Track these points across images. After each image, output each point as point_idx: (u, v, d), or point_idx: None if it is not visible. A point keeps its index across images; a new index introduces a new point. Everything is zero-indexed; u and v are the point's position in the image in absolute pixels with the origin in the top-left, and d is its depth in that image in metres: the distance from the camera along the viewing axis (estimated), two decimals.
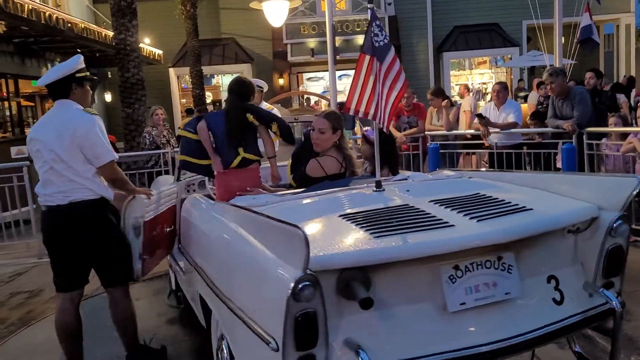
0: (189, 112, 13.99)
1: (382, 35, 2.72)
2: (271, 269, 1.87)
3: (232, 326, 2.29)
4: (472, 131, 6.57)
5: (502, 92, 6.42)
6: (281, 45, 17.55)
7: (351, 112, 2.89)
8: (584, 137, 5.62)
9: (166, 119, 7.50)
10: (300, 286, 1.70)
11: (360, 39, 17.29)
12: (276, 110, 6.61)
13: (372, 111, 2.71)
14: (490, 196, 2.44)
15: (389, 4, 17.64)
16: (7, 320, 4.46)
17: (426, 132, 6.98)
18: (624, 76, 15.54)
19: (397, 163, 3.57)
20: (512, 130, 6.20)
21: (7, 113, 13.46)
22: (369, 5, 2.82)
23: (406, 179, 3.03)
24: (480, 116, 6.22)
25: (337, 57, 6.57)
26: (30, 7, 10.03)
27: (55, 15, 11.17)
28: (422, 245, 1.95)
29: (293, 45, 17.55)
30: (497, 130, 6.23)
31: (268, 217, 2.04)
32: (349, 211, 2.32)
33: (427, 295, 2.00)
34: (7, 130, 13.00)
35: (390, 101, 2.68)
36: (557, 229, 2.22)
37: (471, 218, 2.13)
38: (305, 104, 17.11)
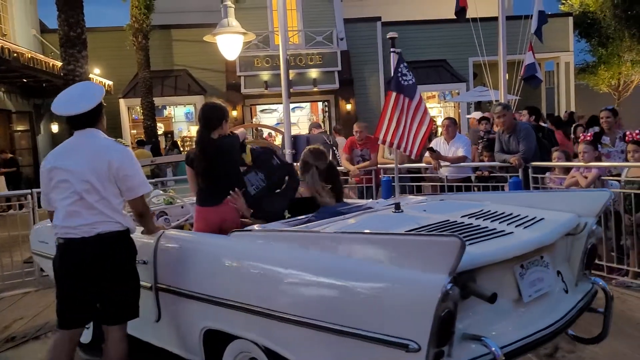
0: (140, 143, 13.73)
1: (409, 75, 3.10)
2: (412, 279, 2.05)
3: (325, 349, 2.33)
4: (423, 164, 6.71)
5: (451, 127, 6.62)
6: (234, 77, 17.59)
7: (380, 142, 3.37)
8: (530, 170, 5.84)
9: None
10: (449, 287, 1.94)
11: (313, 73, 17.59)
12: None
13: (396, 141, 3.14)
14: (497, 211, 2.89)
15: (341, 39, 18.06)
16: None
17: (379, 165, 7.08)
18: (565, 111, 16.35)
19: (342, 191, 3.71)
20: (462, 163, 6.38)
21: None
22: (397, 50, 3.17)
23: (398, 203, 3.25)
24: (431, 150, 6.37)
25: (291, 90, 6.62)
26: None
27: (1, 45, 10.84)
28: (508, 249, 2.38)
29: (246, 78, 17.63)
30: (447, 163, 6.39)
31: (405, 234, 2.36)
32: (410, 227, 2.61)
33: (508, 290, 2.42)
34: None
35: (420, 133, 3.16)
36: (567, 232, 2.79)
37: (517, 226, 2.61)
38: (259, 136, 17.09)
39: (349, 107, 18.15)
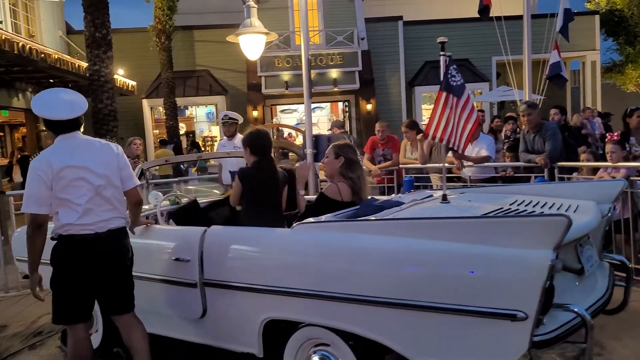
0: (162, 143, 13.89)
1: (458, 76, 3.45)
2: (520, 256, 2.28)
3: (426, 328, 2.50)
4: (446, 165, 6.64)
5: (476, 127, 6.54)
6: (255, 77, 17.68)
7: (429, 138, 3.63)
8: (555, 171, 5.74)
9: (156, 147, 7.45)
10: (554, 261, 2.19)
11: (333, 73, 17.58)
12: None
13: (446, 137, 3.42)
14: (531, 200, 3.17)
15: (362, 39, 18.01)
16: None
17: (400, 165, 7.04)
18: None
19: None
20: (485, 164, 6.30)
21: None
22: (447, 54, 3.54)
23: (430, 196, 3.57)
24: (453, 150, 6.29)
25: (312, 90, 6.62)
26: (3, 37, 9.92)
27: (28, 46, 11.07)
28: (582, 227, 2.70)
29: (267, 78, 17.70)
30: (470, 163, 6.32)
31: (509, 216, 2.73)
32: (471, 214, 2.93)
33: (575, 263, 2.69)
34: None
35: (466, 130, 3.44)
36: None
37: (566, 211, 2.89)
38: (279, 136, 17.14)
39: (369, 107, 18.10)
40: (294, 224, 3.07)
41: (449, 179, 6.79)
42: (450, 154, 6.43)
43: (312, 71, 7.30)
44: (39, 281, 3.06)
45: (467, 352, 2.43)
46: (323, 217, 3.07)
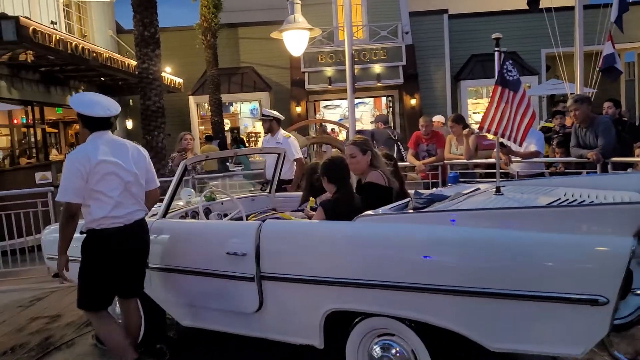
0: (208, 139, 14.14)
1: (514, 71, 3.52)
2: (602, 243, 2.36)
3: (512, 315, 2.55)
4: (492, 160, 6.51)
5: None
6: (299, 73, 17.76)
7: (484, 131, 3.68)
8: (609, 167, 5.53)
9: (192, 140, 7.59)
10: (634, 247, 2.27)
11: (377, 68, 17.47)
12: (293, 138, 6.65)
13: (501, 130, 3.51)
14: (580, 193, 3.18)
15: (406, 33, 17.81)
16: (27, 345, 4.44)
17: (445, 161, 6.93)
18: None
19: (403, 182, 4.02)
20: (535, 159, 6.13)
21: (32, 139, 13.73)
22: (502, 49, 3.66)
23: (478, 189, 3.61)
24: (501, 145, 6.16)
25: (355, 86, 6.59)
26: (57, 38, 10.33)
27: (81, 45, 11.48)
28: None
29: (310, 74, 17.76)
30: (519, 159, 6.17)
31: (585, 205, 2.71)
32: (538, 203, 2.99)
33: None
34: (32, 156, 13.24)
35: (523, 124, 3.49)
36: None
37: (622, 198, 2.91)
38: (322, 131, 17.16)
39: (413, 102, 17.90)
40: (356, 217, 3.09)
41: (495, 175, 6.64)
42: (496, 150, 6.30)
43: (355, 66, 7.31)
44: (65, 262, 3.35)
45: (544, 337, 2.48)
46: (381, 210, 3.17)
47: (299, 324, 3.20)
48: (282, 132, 6.63)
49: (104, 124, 3.37)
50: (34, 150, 13.54)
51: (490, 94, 3.66)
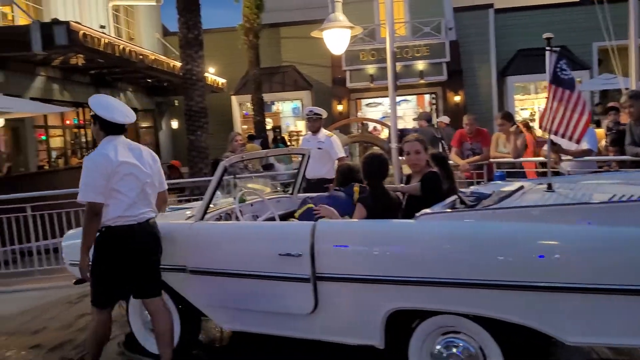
0: (250, 138, 14.28)
1: (568, 70, 3.58)
2: None
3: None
4: (541, 159, 6.28)
5: None
6: (340, 72, 17.70)
7: (542, 130, 3.77)
8: None
9: (244, 143, 7.69)
10: None
11: (419, 65, 17.22)
12: (335, 137, 6.60)
13: (561, 130, 3.57)
14: (627, 188, 3.24)
15: (450, 29, 17.48)
16: (74, 342, 4.57)
17: (491, 160, 6.73)
18: None
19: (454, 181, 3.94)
20: (586, 157, 5.88)
21: (83, 140, 14.20)
22: (554, 49, 3.62)
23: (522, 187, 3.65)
24: (551, 143, 5.93)
25: (397, 83, 6.48)
26: (106, 41, 10.64)
27: (128, 48, 11.78)
28: None
29: (352, 72, 17.67)
30: (570, 157, 5.92)
31: None
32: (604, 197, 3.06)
33: None
34: (83, 156, 13.69)
35: (581, 122, 3.51)
36: None
37: None
38: (364, 130, 17.07)
39: (457, 99, 17.55)
40: (418, 215, 3.09)
41: (545, 175, 6.41)
42: (545, 147, 6.08)
43: (397, 64, 7.19)
44: (88, 263, 3.43)
45: (627, 330, 2.53)
46: (428, 210, 3.17)
47: (358, 324, 3.17)
48: (324, 131, 6.59)
49: (120, 129, 3.48)
50: (85, 151, 14.01)
51: (538, 90, 3.68)
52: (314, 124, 6.53)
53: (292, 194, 5.14)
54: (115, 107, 3.50)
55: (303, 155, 5.16)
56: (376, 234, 3.17)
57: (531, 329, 2.70)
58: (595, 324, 2.56)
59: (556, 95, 3.55)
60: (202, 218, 3.84)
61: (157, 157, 3.69)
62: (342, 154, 6.41)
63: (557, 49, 3.65)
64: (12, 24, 11.42)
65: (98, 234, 3.40)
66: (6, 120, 9.77)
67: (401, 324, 3.05)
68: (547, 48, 3.66)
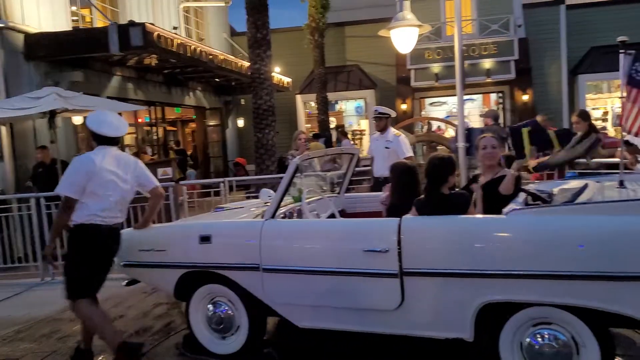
0: (315, 136, 14.46)
1: None
2: None
3: None
4: (617, 160, 6.04)
5: None
6: (405, 70, 17.58)
7: (624, 131, 3.85)
8: None
9: (308, 140, 7.90)
10: None
11: (486, 63, 16.85)
12: (404, 137, 6.62)
13: (635, 129, 3.64)
14: None
15: (519, 26, 16.97)
16: (151, 329, 4.84)
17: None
18: None
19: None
20: None
21: (155, 137, 14.84)
22: (630, 52, 3.70)
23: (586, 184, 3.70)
24: (627, 143, 5.71)
25: (464, 82, 6.42)
26: (178, 42, 11.10)
27: (199, 49, 12.23)
28: None
29: (417, 71, 17.50)
30: None
31: None
32: None
33: None
34: (154, 152, 14.32)
35: None
36: None
37: None
38: (429, 129, 16.87)
39: (525, 97, 17.03)
40: (506, 211, 3.20)
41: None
42: (621, 148, 5.85)
43: (464, 62, 7.09)
44: (54, 249, 3.97)
45: None
46: (515, 206, 3.30)
47: (447, 318, 3.24)
48: (392, 130, 6.62)
49: (110, 141, 3.93)
50: (156, 147, 14.65)
51: (612, 88, 3.70)
52: (379, 123, 6.58)
53: (339, 193, 5.16)
54: (107, 122, 3.94)
55: (352, 155, 5.14)
56: (468, 230, 3.23)
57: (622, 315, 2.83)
58: None
59: (631, 96, 3.60)
60: (273, 216, 3.84)
61: (140, 163, 4.14)
62: (409, 153, 6.43)
63: (632, 51, 3.67)
64: (91, 26, 12.10)
65: (72, 229, 3.85)
66: (84, 118, 10.42)
67: (491, 317, 3.13)
68: (621, 51, 3.67)
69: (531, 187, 4.02)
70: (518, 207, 3.22)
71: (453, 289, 3.17)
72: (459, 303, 3.15)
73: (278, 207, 3.89)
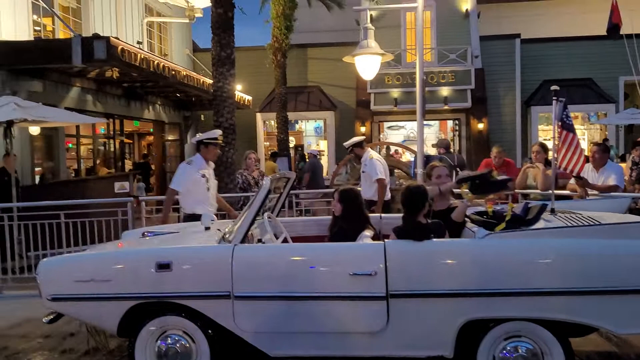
0: (273, 155, 14.46)
1: (570, 116, 4.51)
2: None
3: None
4: (567, 192, 6.31)
5: (601, 154, 6.14)
6: (365, 94, 17.89)
7: (557, 168, 4.51)
8: None
9: (258, 160, 7.91)
10: None
11: (444, 90, 17.38)
12: (376, 159, 6.84)
13: (570, 167, 4.48)
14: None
15: (476, 57, 17.60)
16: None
17: (517, 191, 6.78)
18: None
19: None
20: (613, 194, 5.89)
21: (111, 149, 14.50)
22: (561, 99, 4.37)
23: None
24: (578, 177, 5.96)
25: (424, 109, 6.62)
26: (142, 56, 10.95)
27: (162, 64, 12.10)
28: None
29: (377, 95, 17.85)
30: (596, 192, 5.94)
31: None
32: None
33: None
34: (111, 166, 13.97)
35: (581, 159, 4.47)
36: None
37: None
38: (387, 154, 17.16)
39: (481, 126, 17.60)
40: (485, 235, 3.44)
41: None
42: (572, 181, 6.11)
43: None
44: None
45: None
46: (499, 229, 3.49)
47: (430, 337, 3.39)
48: (369, 154, 6.82)
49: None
50: (112, 161, 14.31)
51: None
52: (352, 154, 7.02)
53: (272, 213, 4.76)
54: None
55: (288, 179, 4.91)
56: (446, 253, 3.46)
57: (588, 326, 3.34)
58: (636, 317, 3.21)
59: (563, 137, 4.35)
60: (242, 240, 3.64)
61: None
62: (378, 176, 6.62)
63: (563, 99, 4.32)
64: (52, 37, 11.81)
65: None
66: (41, 128, 10.09)
67: (470, 333, 3.36)
68: (554, 98, 4.24)
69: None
70: (495, 232, 3.45)
71: (436, 309, 3.35)
72: (442, 321, 3.34)
73: (249, 230, 3.72)
